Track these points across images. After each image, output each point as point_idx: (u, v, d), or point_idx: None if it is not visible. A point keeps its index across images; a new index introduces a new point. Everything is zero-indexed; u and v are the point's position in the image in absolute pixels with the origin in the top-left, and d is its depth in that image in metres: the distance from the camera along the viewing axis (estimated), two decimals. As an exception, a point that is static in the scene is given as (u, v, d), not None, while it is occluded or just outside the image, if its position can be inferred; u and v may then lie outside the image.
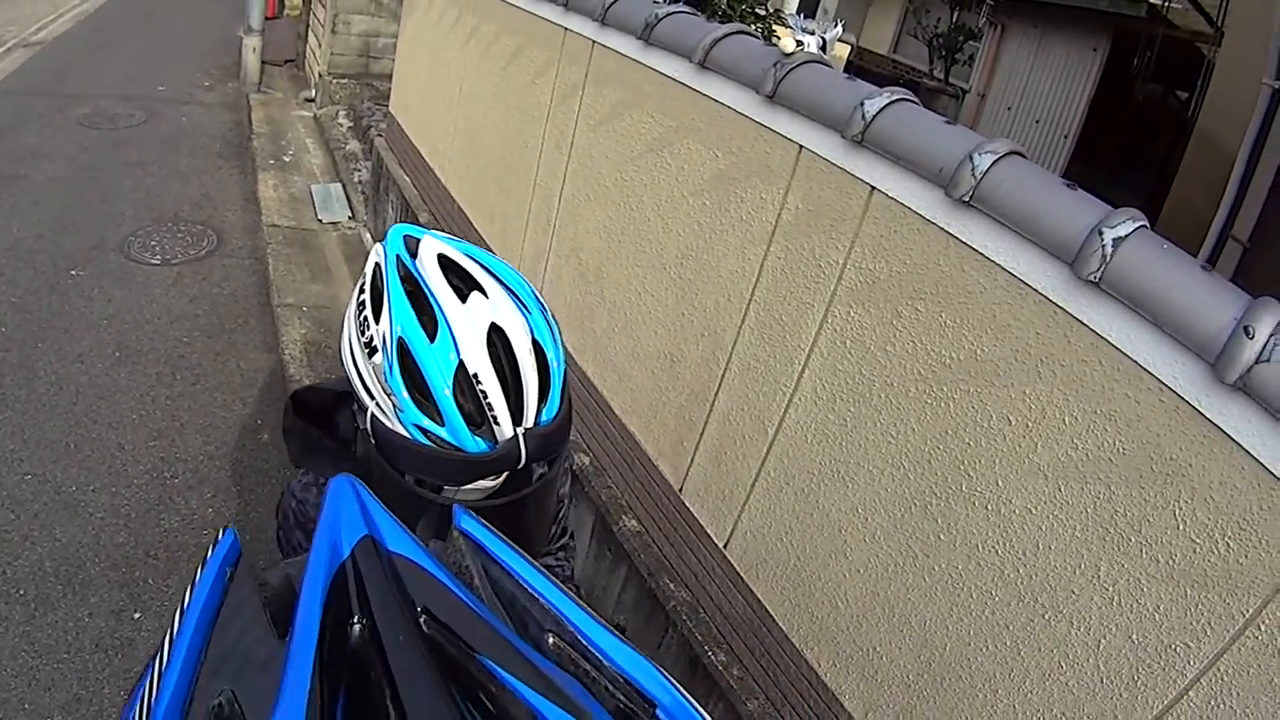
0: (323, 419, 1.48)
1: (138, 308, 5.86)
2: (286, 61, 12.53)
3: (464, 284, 1.21)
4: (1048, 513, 1.87)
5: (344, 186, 8.28)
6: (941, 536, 2.12)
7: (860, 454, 2.36)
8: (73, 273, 6.16)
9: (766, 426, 2.69)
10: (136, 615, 3.57)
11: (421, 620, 0.60)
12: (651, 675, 0.68)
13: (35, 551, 3.76)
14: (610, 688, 0.67)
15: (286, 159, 8.98)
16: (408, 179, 6.25)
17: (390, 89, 7.20)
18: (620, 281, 3.41)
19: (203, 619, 0.66)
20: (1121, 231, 1.66)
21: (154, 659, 0.64)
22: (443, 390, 1.14)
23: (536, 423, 1.20)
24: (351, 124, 9.56)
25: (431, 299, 1.18)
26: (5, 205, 7.00)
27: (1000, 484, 1.97)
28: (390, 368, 1.16)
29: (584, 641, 0.70)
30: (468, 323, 1.16)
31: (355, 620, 0.59)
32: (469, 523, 0.78)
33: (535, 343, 1.20)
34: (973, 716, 2.07)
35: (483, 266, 1.24)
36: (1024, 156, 1.93)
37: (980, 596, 2.02)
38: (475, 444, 1.17)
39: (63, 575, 3.68)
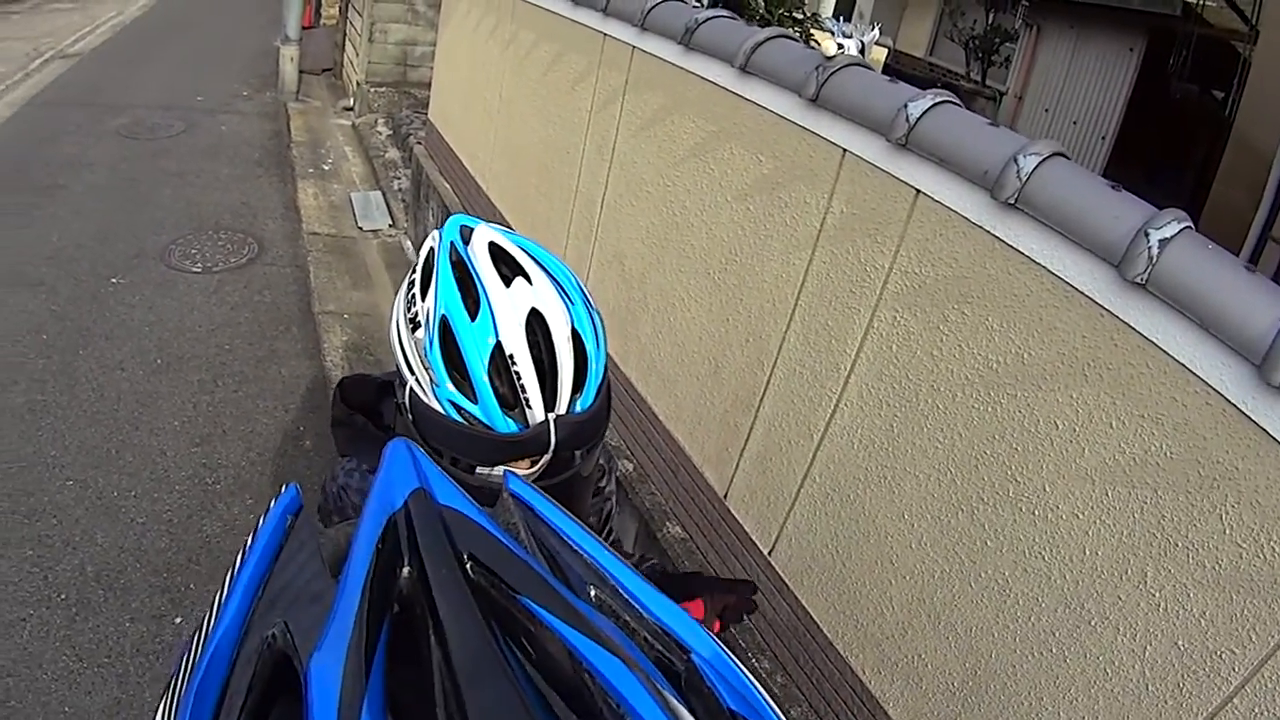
0: (369, 407, 1.53)
1: (179, 315, 5.97)
2: (324, 71, 12.69)
3: (510, 270, 1.24)
4: (1095, 518, 1.88)
5: (384, 194, 8.38)
6: (988, 542, 2.13)
7: (907, 459, 2.38)
8: (113, 281, 6.28)
9: (812, 432, 2.71)
10: (178, 620, 3.64)
11: (468, 565, 0.63)
12: (690, 627, 0.70)
13: (77, 556, 3.84)
14: (649, 638, 0.69)
15: (326, 167, 9.11)
16: (448, 186, 6.32)
17: (429, 97, 7.29)
18: (663, 287, 3.44)
19: (263, 559, 0.70)
20: (1167, 233, 1.68)
21: (215, 596, 0.68)
22: (479, 368, 1.18)
23: (570, 411, 1.23)
24: (390, 132, 9.66)
25: (477, 281, 1.21)
26: (45, 215, 7.15)
27: (1047, 489, 1.98)
28: (431, 343, 1.21)
29: (625, 594, 0.71)
30: (509, 305, 1.20)
31: (404, 564, 0.62)
32: (517, 484, 0.80)
33: (575, 332, 1.23)
34: (1017, 725, 2.08)
35: (531, 257, 1.27)
36: (1068, 158, 1.94)
37: (1027, 603, 2.04)
38: (506, 424, 1.21)
39: (104, 580, 3.76)
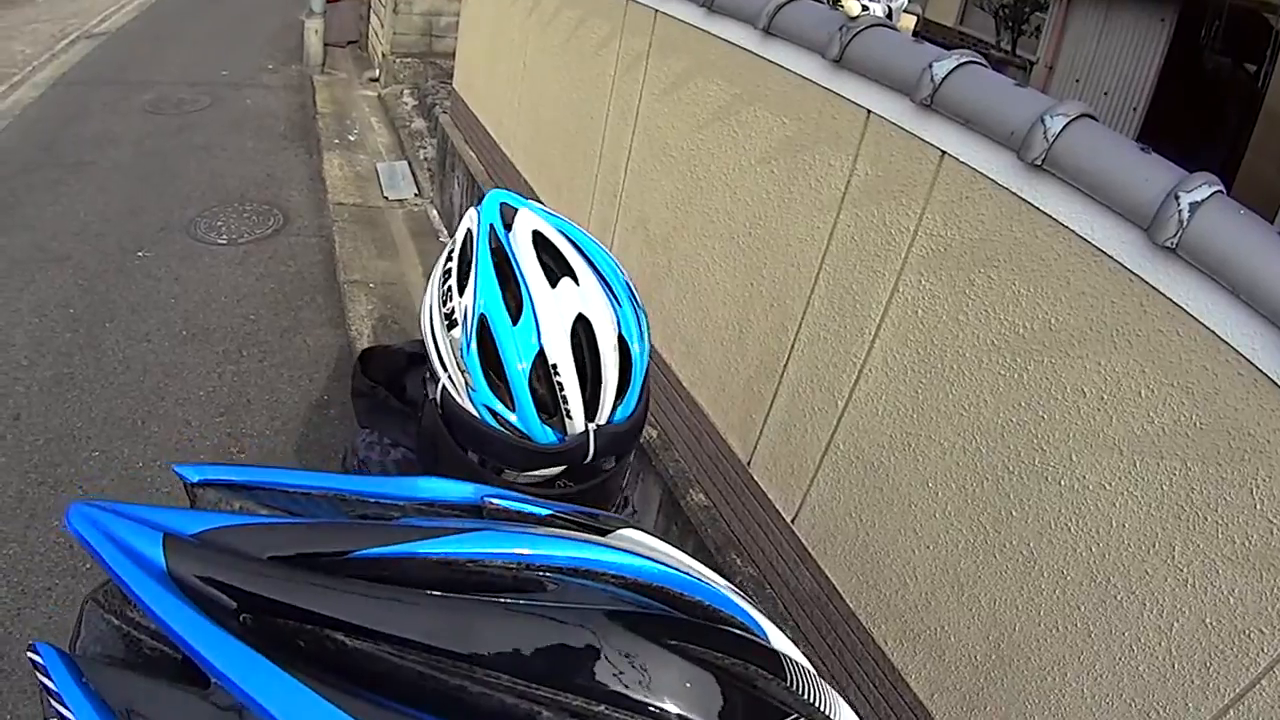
0: (391, 380, 1.49)
1: (204, 287, 6.00)
2: (349, 43, 12.70)
3: (556, 266, 1.18)
4: (1122, 489, 1.83)
5: (409, 164, 8.37)
6: (1014, 512, 2.09)
7: (932, 426, 2.34)
8: (140, 254, 6.33)
9: (836, 399, 2.67)
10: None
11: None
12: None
13: (104, 527, 3.84)
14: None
15: (352, 138, 9.11)
16: (473, 154, 6.29)
17: (454, 67, 7.25)
18: (688, 252, 3.40)
19: None
20: (1198, 196, 1.62)
21: None
22: (519, 376, 1.12)
23: (610, 419, 1.18)
24: (416, 102, 9.66)
25: (520, 278, 1.15)
26: (72, 191, 7.20)
27: (1074, 458, 1.94)
28: (468, 344, 1.14)
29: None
30: (555, 310, 1.13)
31: None
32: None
33: (621, 338, 1.17)
34: (1041, 700, 2.05)
35: (578, 249, 1.21)
36: (1095, 119, 1.89)
37: (1052, 575, 2.00)
38: (544, 434, 1.15)
39: (130, 551, 3.75)
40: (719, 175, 3.16)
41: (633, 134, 3.77)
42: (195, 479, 0.71)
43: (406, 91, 9.98)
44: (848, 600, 2.64)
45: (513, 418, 1.14)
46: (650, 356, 3.22)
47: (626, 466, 1.46)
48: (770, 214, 2.91)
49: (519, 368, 1.11)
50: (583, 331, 1.14)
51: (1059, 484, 1.97)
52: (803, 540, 2.84)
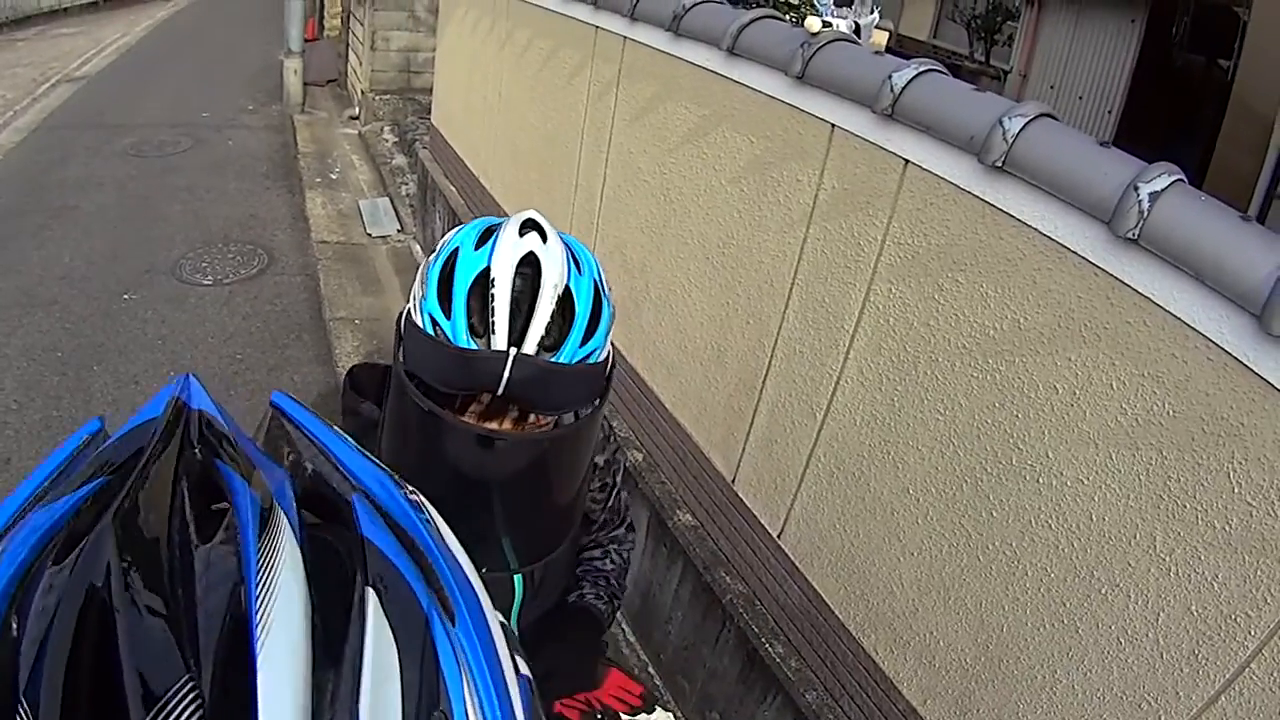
0: (380, 397, 1.51)
1: (191, 328, 5.98)
2: (329, 81, 12.75)
3: (533, 230, 1.27)
4: (1100, 482, 1.81)
5: (392, 200, 8.39)
6: (994, 513, 2.07)
7: (909, 433, 2.32)
8: (125, 297, 6.30)
9: (815, 411, 2.65)
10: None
11: (197, 449, 0.71)
12: (391, 495, 0.77)
13: (99, 571, 3.80)
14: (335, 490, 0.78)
15: (334, 176, 9.12)
16: (454, 188, 6.29)
17: (431, 102, 7.27)
18: (664, 275, 3.39)
19: (46, 468, 0.79)
20: (1158, 186, 1.61)
21: None
22: (461, 288, 1.22)
23: (537, 355, 1.22)
24: (396, 139, 9.69)
25: (498, 229, 1.28)
26: (56, 235, 7.18)
27: (1050, 455, 1.92)
28: (435, 261, 1.28)
29: (339, 466, 0.81)
30: (511, 244, 1.24)
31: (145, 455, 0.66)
32: (281, 399, 0.91)
33: (567, 289, 1.24)
34: (1032, 700, 2.02)
35: (560, 235, 1.31)
36: (1055, 118, 1.88)
37: (1036, 574, 1.98)
38: (467, 342, 1.21)
39: (125, 593, 3.71)
40: (691, 197, 3.15)
41: (606, 161, 3.76)
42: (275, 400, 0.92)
43: (387, 128, 10.02)
44: (836, 611, 2.62)
45: (446, 325, 1.22)
46: (633, 380, 3.21)
47: (584, 442, 1.45)
48: (742, 232, 2.90)
49: (464, 280, 1.23)
50: (529, 268, 1.23)
51: (1037, 482, 1.95)
52: (789, 554, 2.81)
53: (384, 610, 0.60)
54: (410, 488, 0.82)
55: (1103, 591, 1.83)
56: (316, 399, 5.11)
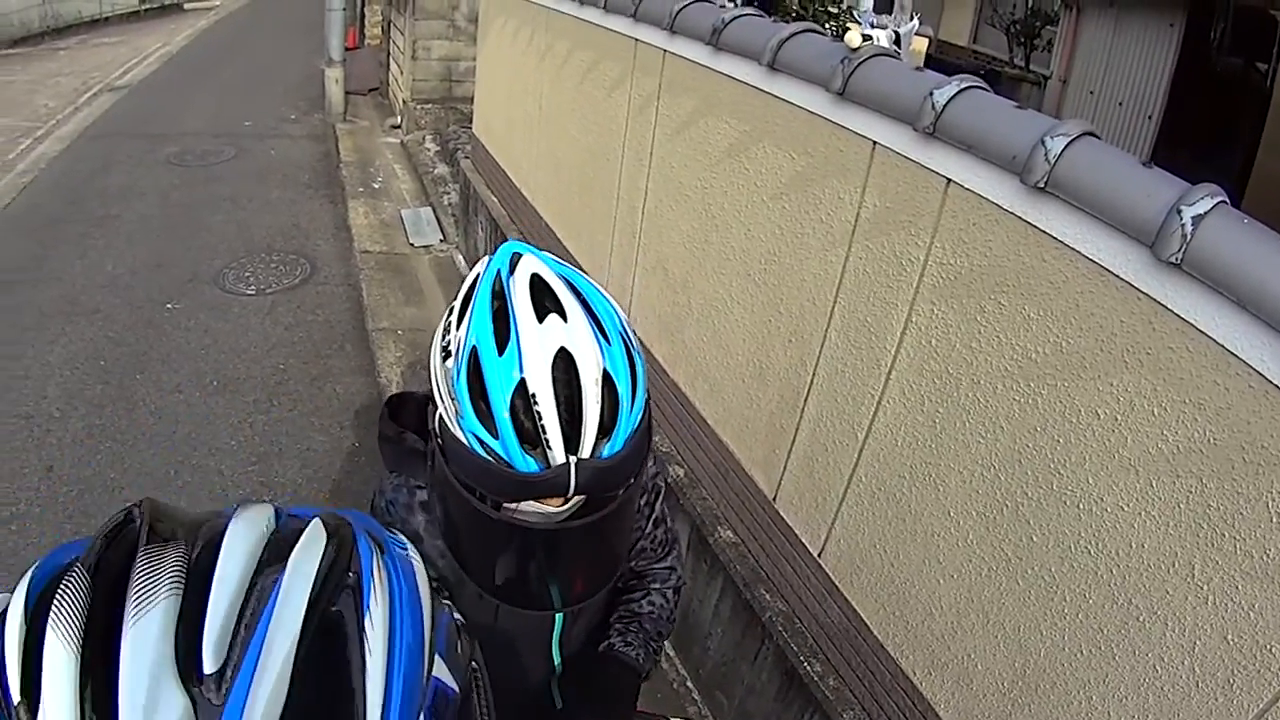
0: (419, 425, 1.52)
1: (234, 337, 6.08)
2: (370, 90, 12.88)
3: (548, 305, 1.22)
4: (1139, 509, 1.82)
5: (434, 210, 8.47)
6: (1034, 538, 2.08)
7: (950, 455, 2.33)
8: (168, 306, 6.43)
9: (856, 431, 2.66)
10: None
11: None
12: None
13: (138, 577, 3.88)
14: None
15: (376, 186, 9.23)
16: (495, 199, 6.36)
17: (473, 111, 7.34)
18: (707, 291, 3.42)
19: None
20: (1200, 209, 1.61)
21: None
22: (501, 404, 1.16)
23: (595, 455, 1.20)
24: (438, 148, 9.78)
25: (511, 314, 1.20)
26: (99, 244, 7.33)
27: (1091, 481, 1.92)
28: (459, 373, 1.20)
29: None
30: (537, 342, 1.18)
31: None
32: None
33: (606, 374, 1.21)
34: (1068, 725, 2.01)
35: (574, 291, 1.26)
36: (1097, 137, 1.88)
37: (1074, 599, 1.98)
38: (525, 463, 1.18)
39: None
40: (733, 213, 3.18)
41: (648, 175, 3.80)
42: None
43: (428, 137, 10.12)
44: (875, 631, 2.63)
45: (496, 445, 1.18)
46: (675, 396, 3.22)
47: (633, 502, 1.47)
48: (784, 250, 2.92)
49: (501, 397, 1.16)
50: (565, 366, 1.18)
51: (1077, 507, 1.96)
52: (829, 574, 2.83)
53: None
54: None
55: (1140, 619, 1.83)
56: (359, 409, 5.17)
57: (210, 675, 0.60)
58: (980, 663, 2.26)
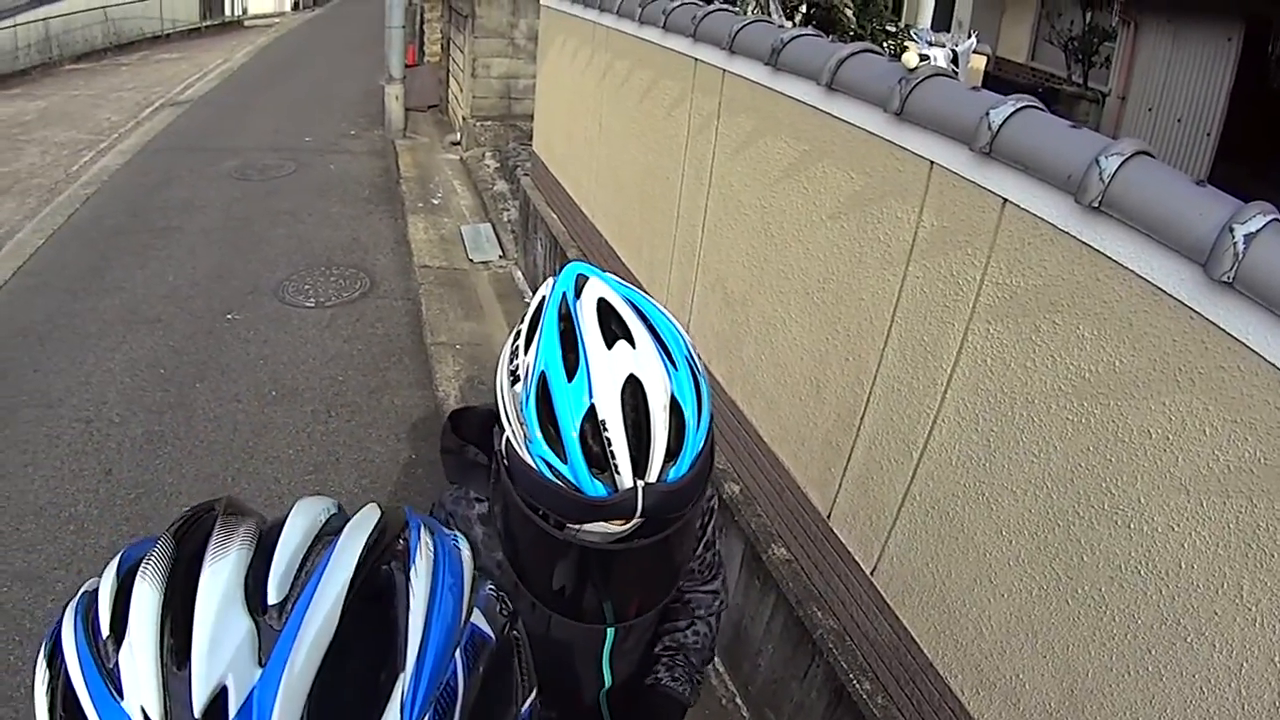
0: (480, 438, 1.56)
1: (293, 348, 6.21)
2: (430, 107, 13.08)
3: (615, 330, 1.25)
4: (1190, 529, 1.83)
5: (494, 226, 8.60)
6: (1085, 558, 2.09)
7: (1004, 475, 2.35)
8: (228, 316, 6.59)
9: (911, 450, 2.69)
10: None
11: None
12: None
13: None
14: None
15: (435, 201, 9.39)
16: (555, 216, 6.43)
17: (533, 129, 7.44)
18: (765, 309, 3.45)
19: None
20: (1253, 227, 1.63)
21: None
22: (570, 430, 1.20)
23: (661, 479, 1.24)
24: (498, 165, 9.93)
25: (580, 340, 1.23)
26: (160, 256, 7.53)
27: (1142, 500, 1.94)
28: (527, 398, 1.23)
29: None
30: (607, 369, 1.21)
31: None
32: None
33: (673, 400, 1.24)
34: (1114, 747, 2.02)
35: (640, 316, 1.29)
36: (1152, 156, 1.90)
37: (1123, 620, 1.99)
38: (594, 487, 1.22)
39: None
40: (792, 232, 3.22)
41: (707, 193, 3.85)
42: None
43: (488, 154, 10.27)
44: (925, 650, 2.64)
45: (565, 470, 1.21)
46: (732, 413, 3.26)
47: (694, 523, 1.50)
48: (842, 268, 2.95)
49: (571, 422, 1.19)
50: (633, 392, 1.21)
51: (1128, 527, 1.98)
52: (881, 591, 2.84)
53: None
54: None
55: (1188, 640, 1.84)
56: (416, 422, 5.24)
57: (273, 605, 0.70)
58: (1028, 683, 2.27)
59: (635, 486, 1.21)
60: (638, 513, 1.24)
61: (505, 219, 8.67)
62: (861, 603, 2.93)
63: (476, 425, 1.58)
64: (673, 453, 1.24)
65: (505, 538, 1.47)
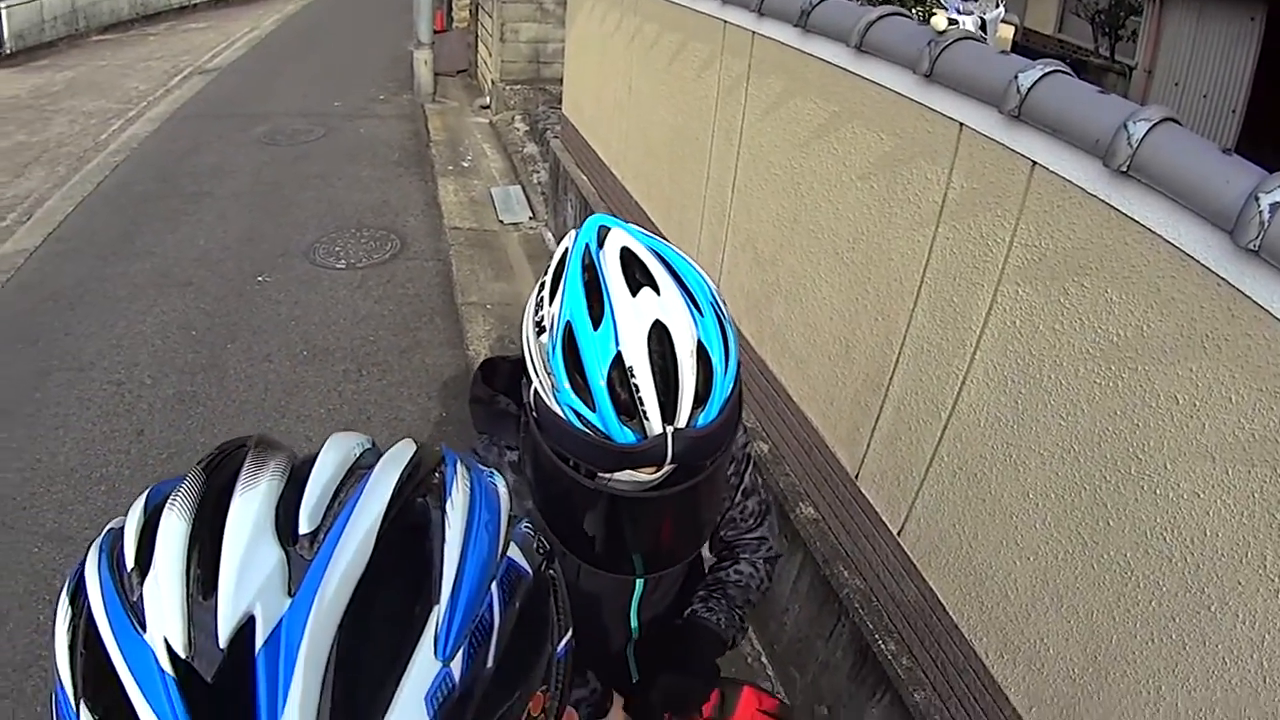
0: (510, 388, 1.57)
1: (324, 309, 6.25)
2: (459, 72, 13.07)
3: (640, 278, 1.24)
4: (1215, 497, 1.83)
5: (523, 188, 8.59)
6: (1110, 522, 2.09)
7: (1031, 437, 2.35)
8: (259, 279, 6.62)
9: (940, 410, 2.69)
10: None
11: None
12: None
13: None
14: None
15: (465, 164, 9.38)
16: (585, 178, 6.44)
17: (562, 92, 7.43)
18: (795, 269, 3.45)
19: None
20: (1278, 196, 1.60)
21: None
22: (598, 377, 1.19)
23: (690, 424, 1.23)
24: (527, 128, 9.92)
25: (604, 288, 1.22)
26: (191, 220, 7.58)
27: (1169, 467, 1.93)
28: (554, 348, 1.23)
29: None
30: (633, 316, 1.20)
31: None
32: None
33: (700, 345, 1.23)
34: (1135, 715, 2.05)
35: (664, 264, 1.28)
36: (1179, 123, 1.87)
37: (1148, 586, 2.00)
38: (623, 434, 1.22)
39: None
40: (822, 192, 3.21)
41: (737, 154, 3.84)
42: None
43: (517, 117, 10.27)
44: (950, 612, 2.66)
45: (594, 418, 1.22)
46: (762, 373, 3.25)
47: (723, 470, 1.50)
48: (872, 229, 2.94)
49: (598, 370, 1.19)
50: (660, 337, 1.20)
51: (1154, 493, 1.97)
52: (908, 553, 2.86)
53: None
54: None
55: (1211, 609, 1.85)
56: (447, 381, 5.26)
57: (304, 535, 0.69)
58: (1053, 647, 2.28)
59: (664, 433, 1.22)
60: (668, 459, 1.24)
61: (535, 181, 8.65)
62: (888, 563, 2.94)
63: (507, 375, 1.59)
64: (701, 398, 1.23)
65: (535, 487, 1.47)
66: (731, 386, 1.28)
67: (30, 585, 3.85)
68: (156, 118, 10.62)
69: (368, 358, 5.67)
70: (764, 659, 3.69)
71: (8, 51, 13.97)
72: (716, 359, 1.24)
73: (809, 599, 3.30)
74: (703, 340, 1.23)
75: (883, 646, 2.85)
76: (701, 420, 1.24)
